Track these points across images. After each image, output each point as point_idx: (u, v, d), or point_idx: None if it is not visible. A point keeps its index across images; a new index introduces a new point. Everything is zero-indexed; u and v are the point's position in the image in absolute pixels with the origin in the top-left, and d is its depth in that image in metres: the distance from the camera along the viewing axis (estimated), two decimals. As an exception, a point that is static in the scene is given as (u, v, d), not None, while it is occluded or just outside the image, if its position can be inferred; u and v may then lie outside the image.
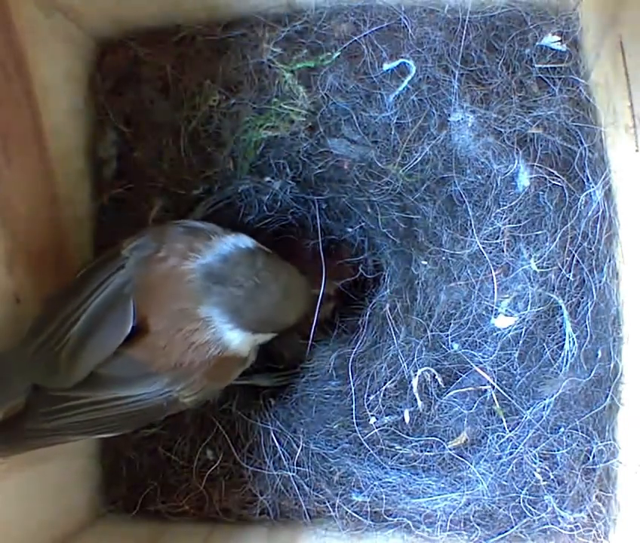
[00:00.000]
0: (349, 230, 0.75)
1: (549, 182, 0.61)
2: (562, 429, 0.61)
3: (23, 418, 0.54)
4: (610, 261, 0.61)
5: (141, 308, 0.56)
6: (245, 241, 0.60)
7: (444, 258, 0.65)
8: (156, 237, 0.58)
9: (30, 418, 0.54)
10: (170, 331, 0.56)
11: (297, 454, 0.66)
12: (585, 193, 0.60)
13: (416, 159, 0.64)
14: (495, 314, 0.63)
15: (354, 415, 0.65)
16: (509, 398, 0.62)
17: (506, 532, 0.62)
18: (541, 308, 0.61)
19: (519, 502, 0.61)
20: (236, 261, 0.57)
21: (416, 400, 0.64)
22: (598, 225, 0.60)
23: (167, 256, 0.57)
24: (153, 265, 0.57)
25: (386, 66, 0.65)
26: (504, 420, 0.62)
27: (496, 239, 0.62)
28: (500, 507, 0.62)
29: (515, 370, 0.62)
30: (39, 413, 0.54)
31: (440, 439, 0.63)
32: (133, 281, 0.56)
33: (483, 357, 0.63)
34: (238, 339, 0.59)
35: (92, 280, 0.56)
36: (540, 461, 0.61)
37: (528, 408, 0.61)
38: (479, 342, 0.63)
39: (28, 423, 0.54)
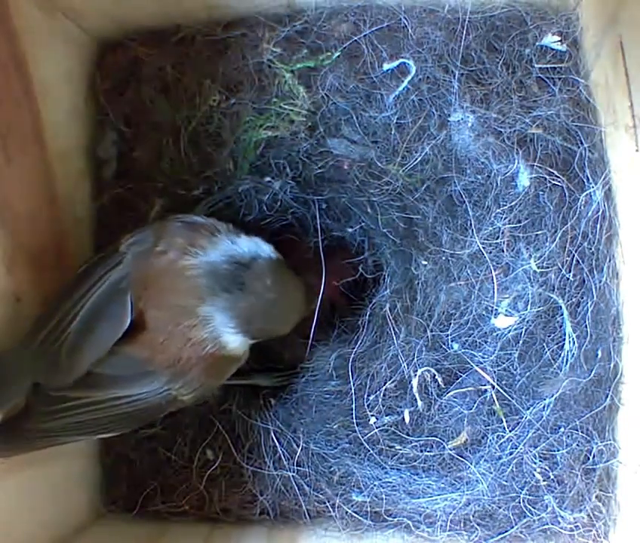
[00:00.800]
0: (349, 230, 0.75)
1: (549, 182, 0.61)
2: (562, 429, 0.61)
3: (23, 419, 0.54)
4: (610, 261, 0.61)
5: (139, 303, 0.56)
6: (265, 249, 0.59)
7: (444, 258, 0.65)
8: (154, 232, 0.58)
9: (30, 418, 0.54)
10: (169, 326, 0.56)
11: (297, 454, 0.66)
12: (585, 193, 0.60)
13: (416, 159, 0.64)
14: (495, 314, 0.63)
15: (354, 415, 0.65)
16: (509, 398, 0.62)
17: (506, 532, 0.62)
18: (541, 308, 0.61)
19: (519, 502, 0.61)
20: (259, 271, 0.57)
21: (416, 400, 0.64)
22: (598, 225, 0.60)
23: (167, 250, 0.57)
24: (151, 259, 0.57)
25: (386, 66, 0.65)
26: (504, 420, 0.62)
27: (496, 239, 0.62)
28: (500, 507, 0.62)
29: (515, 370, 0.62)
30: (39, 413, 0.54)
31: (440, 439, 0.63)
32: (130, 276, 0.56)
33: (483, 357, 0.63)
34: (236, 343, 0.59)
35: (90, 277, 0.56)
36: (540, 461, 0.61)
37: (528, 408, 0.61)
38: (479, 342, 0.63)
39: (28, 423, 0.54)
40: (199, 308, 0.56)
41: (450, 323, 0.64)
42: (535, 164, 0.61)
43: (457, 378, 0.64)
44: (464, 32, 0.63)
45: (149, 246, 0.57)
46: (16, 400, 0.55)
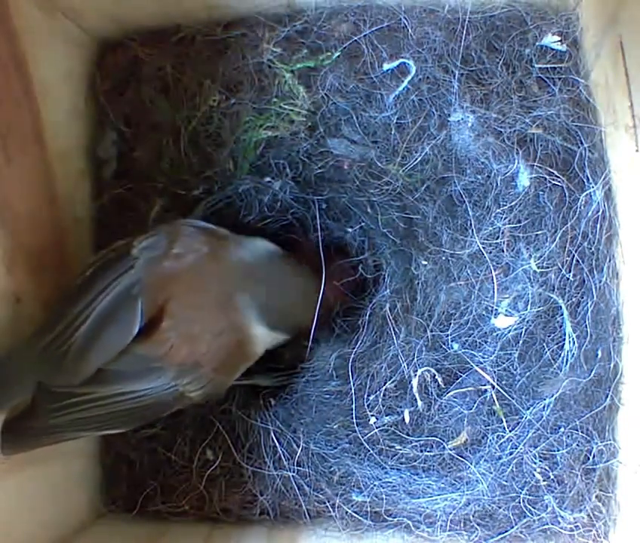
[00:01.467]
0: (349, 230, 0.75)
1: (549, 182, 0.61)
2: (562, 429, 0.61)
3: (29, 417, 0.54)
4: (610, 261, 0.60)
5: (154, 305, 0.56)
6: (271, 246, 0.63)
7: (444, 258, 0.65)
8: (167, 236, 0.59)
9: (36, 415, 0.54)
10: (196, 320, 0.57)
11: (297, 454, 0.66)
12: (585, 193, 0.60)
13: (416, 159, 0.64)
14: (495, 314, 0.63)
15: (354, 415, 0.65)
16: (509, 398, 0.62)
17: (506, 532, 0.62)
18: (541, 308, 0.61)
19: (519, 502, 0.61)
20: (269, 261, 0.61)
21: (416, 400, 0.64)
22: (598, 225, 0.60)
23: (185, 253, 0.58)
24: (166, 262, 0.57)
25: (386, 66, 0.65)
26: (504, 420, 0.62)
27: (496, 239, 0.62)
28: (500, 507, 0.62)
29: (515, 370, 0.62)
30: (45, 410, 0.54)
31: (440, 439, 0.63)
32: (142, 282, 0.56)
33: (483, 357, 0.62)
34: (260, 336, 0.60)
35: (100, 281, 0.56)
36: (540, 461, 0.61)
37: (528, 408, 0.61)
38: (479, 342, 0.63)
39: (34, 421, 0.54)
40: (231, 298, 0.58)
41: (450, 323, 0.64)
42: (535, 164, 0.61)
43: (457, 378, 0.64)
44: (464, 32, 0.63)
45: (162, 251, 0.58)
46: (18, 400, 0.55)
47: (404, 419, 0.64)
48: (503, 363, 0.62)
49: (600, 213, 0.60)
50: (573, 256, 0.61)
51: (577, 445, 0.60)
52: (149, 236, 0.59)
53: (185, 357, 0.56)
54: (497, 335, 0.62)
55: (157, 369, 0.56)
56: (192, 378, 0.57)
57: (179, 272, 0.57)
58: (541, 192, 0.62)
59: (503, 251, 0.62)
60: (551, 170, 0.61)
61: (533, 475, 0.61)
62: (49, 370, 0.54)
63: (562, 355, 0.61)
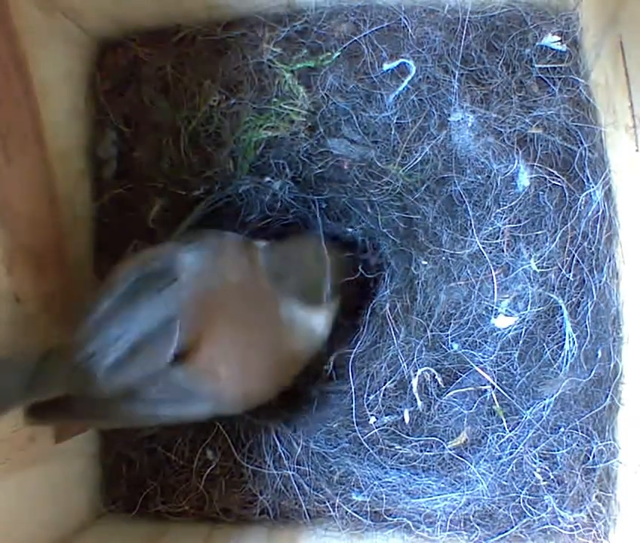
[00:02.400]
0: (349, 230, 0.75)
1: (549, 182, 0.61)
2: (562, 429, 0.61)
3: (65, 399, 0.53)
4: (610, 261, 0.61)
5: (195, 329, 0.54)
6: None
7: (444, 258, 0.65)
8: (212, 250, 0.58)
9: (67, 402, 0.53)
10: (244, 356, 0.56)
11: (297, 453, 0.66)
12: (585, 193, 0.60)
13: (416, 159, 0.64)
14: (495, 314, 0.63)
15: (354, 415, 0.65)
16: (509, 398, 0.62)
17: (506, 532, 0.62)
18: (541, 308, 0.61)
19: (519, 502, 0.61)
20: (279, 255, 0.62)
21: (416, 400, 0.64)
22: (598, 225, 0.60)
23: (229, 270, 0.57)
24: (211, 280, 0.56)
25: (386, 66, 0.65)
26: (504, 420, 0.62)
27: (496, 239, 0.62)
28: (500, 507, 0.62)
29: (515, 370, 0.62)
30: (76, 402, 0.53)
31: (440, 439, 0.63)
32: (185, 302, 0.54)
33: (483, 357, 0.63)
34: (316, 318, 0.62)
35: (138, 298, 0.54)
36: (540, 461, 0.61)
37: (528, 408, 0.61)
38: (479, 342, 0.63)
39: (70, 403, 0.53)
40: (277, 307, 0.58)
41: (450, 323, 0.64)
42: (535, 164, 0.61)
43: (457, 378, 0.64)
44: (464, 32, 0.63)
45: (206, 266, 0.56)
46: (28, 402, 0.53)
47: (404, 419, 0.64)
48: (503, 363, 0.62)
49: (600, 213, 0.60)
50: (573, 256, 0.61)
51: (577, 445, 0.60)
52: (194, 248, 0.57)
53: (235, 396, 0.56)
54: (497, 335, 0.63)
55: (198, 398, 0.55)
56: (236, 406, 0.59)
57: (222, 294, 0.56)
58: (541, 192, 0.62)
59: (503, 251, 0.62)
60: (551, 170, 0.61)
61: (533, 475, 0.61)
62: (80, 385, 0.52)
63: (562, 355, 0.61)
